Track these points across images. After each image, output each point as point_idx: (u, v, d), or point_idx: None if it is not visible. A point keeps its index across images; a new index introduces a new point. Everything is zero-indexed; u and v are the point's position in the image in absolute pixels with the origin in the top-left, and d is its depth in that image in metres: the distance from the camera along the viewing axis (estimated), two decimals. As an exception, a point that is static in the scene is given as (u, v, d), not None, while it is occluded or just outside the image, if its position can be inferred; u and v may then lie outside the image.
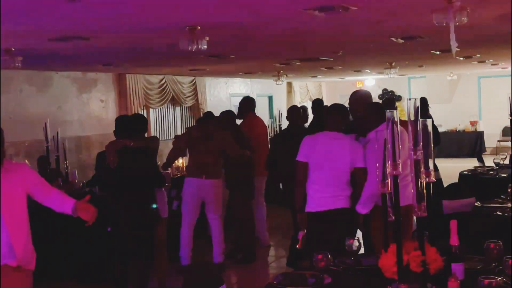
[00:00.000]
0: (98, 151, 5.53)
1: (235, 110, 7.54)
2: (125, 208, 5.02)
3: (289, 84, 16.95)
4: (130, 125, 5.28)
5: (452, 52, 4.17)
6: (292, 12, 4.58)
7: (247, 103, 7.52)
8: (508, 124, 11.88)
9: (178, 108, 12.72)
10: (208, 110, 9.23)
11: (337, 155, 4.51)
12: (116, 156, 4.96)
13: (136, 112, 10.33)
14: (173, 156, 6.71)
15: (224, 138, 6.41)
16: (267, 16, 4.75)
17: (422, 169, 2.59)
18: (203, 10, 4.34)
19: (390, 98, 15.14)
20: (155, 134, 10.82)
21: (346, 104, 5.43)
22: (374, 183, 4.25)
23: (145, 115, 11.24)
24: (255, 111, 7.72)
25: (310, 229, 4.58)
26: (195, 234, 7.78)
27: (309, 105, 15.03)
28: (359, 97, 5.47)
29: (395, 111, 2.69)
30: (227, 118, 7.00)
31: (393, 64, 10.82)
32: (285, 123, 7.98)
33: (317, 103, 8.00)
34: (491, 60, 11.74)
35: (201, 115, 6.97)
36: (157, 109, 11.90)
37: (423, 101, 8.33)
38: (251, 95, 15.23)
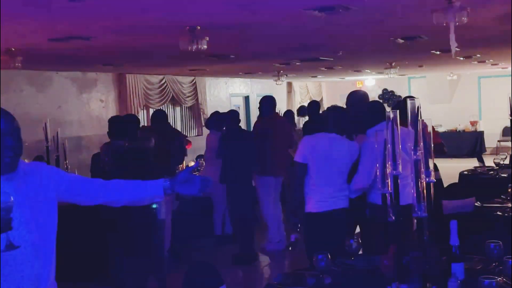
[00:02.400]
0: (93, 153, 5.53)
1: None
2: (123, 209, 5.01)
3: (289, 84, 16.95)
4: (124, 126, 5.27)
5: (452, 52, 4.17)
6: (292, 12, 4.58)
7: (267, 102, 7.51)
8: (508, 124, 11.87)
9: (178, 108, 12.72)
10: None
11: (337, 156, 4.53)
12: (111, 157, 4.95)
13: (136, 112, 10.34)
14: None
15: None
16: (267, 16, 4.75)
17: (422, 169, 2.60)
18: (203, 10, 4.34)
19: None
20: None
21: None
22: (364, 178, 4.32)
23: (145, 115, 11.24)
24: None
25: (310, 230, 4.59)
26: (193, 234, 7.82)
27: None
28: (360, 98, 5.51)
29: (397, 111, 2.69)
30: (231, 119, 7.02)
31: (393, 64, 10.83)
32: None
33: (313, 105, 8.08)
34: (491, 60, 11.74)
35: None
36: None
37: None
38: (251, 95, 15.34)
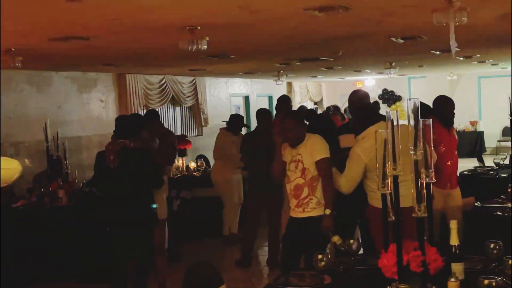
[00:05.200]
0: (98, 151, 5.54)
1: (235, 111, 7.55)
2: (123, 208, 5.02)
3: (289, 84, 16.95)
4: (130, 125, 5.29)
5: (451, 52, 4.17)
6: (292, 12, 4.58)
7: (282, 103, 7.48)
8: (508, 124, 11.89)
9: (178, 108, 12.72)
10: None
11: None
12: (116, 155, 4.95)
13: (136, 112, 10.33)
14: None
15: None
16: (267, 16, 4.75)
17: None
18: (203, 10, 4.34)
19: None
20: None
21: (346, 105, 5.52)
22: (349, 185, 4.36)
23: (145, 115, 11.23)
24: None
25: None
26: (193, 234, 7.75)
27: (309, 106, 14.98)
28: (357, 99, 5.53)
29: (395, 111, 2.70)
30: (263, 118, 6.90)
31: (393, 64, 10.82)
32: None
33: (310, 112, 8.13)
34: (491, 60, 11.74)
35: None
36: (157, 109, 11.88)
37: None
38: (251, 95, 15.33)
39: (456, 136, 5.75)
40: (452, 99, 5.71)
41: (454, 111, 5.67)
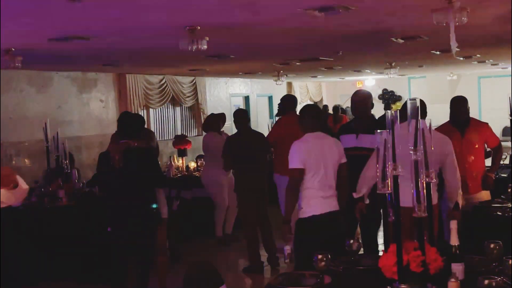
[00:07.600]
0: (98, 151, 5.54)
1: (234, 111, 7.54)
2: (126, 208, 5.02)
3: (289, 84, 16.95)
4: (134, 125, 5.29)
5: (452, 52, 4.17)
6: (292, 12, 4.58)
7: (287, 101, 7.47)
8: (508, 124, 11.86)
9: (178, 108, 12.72)
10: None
11: (329, 155, 4.51)
12: (121, 156, 4.96)
13: (136, 112, 10.33)
14: None
15: None
16: (267, 16, 4.75)
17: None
18: (203, 10, 4.34)
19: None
20: (155, 135, 10.83)
21: (347, 104, 5.51)
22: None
23: (145, 115, 11.23)
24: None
25: (309, 234, 4.51)
26: (193, 234, 7.74)
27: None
28: (359, 99, 5.52)
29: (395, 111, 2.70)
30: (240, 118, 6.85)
31: (393, 64, 10.82)
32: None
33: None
34: (491, 60, 11.74)
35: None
36: (157, 109, 11.90)
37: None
38: (251, 95, 15.33)
39: (473, 139, 5.46)
40: (462, 100, 5.40)
41: (465, 111, 5.42)
